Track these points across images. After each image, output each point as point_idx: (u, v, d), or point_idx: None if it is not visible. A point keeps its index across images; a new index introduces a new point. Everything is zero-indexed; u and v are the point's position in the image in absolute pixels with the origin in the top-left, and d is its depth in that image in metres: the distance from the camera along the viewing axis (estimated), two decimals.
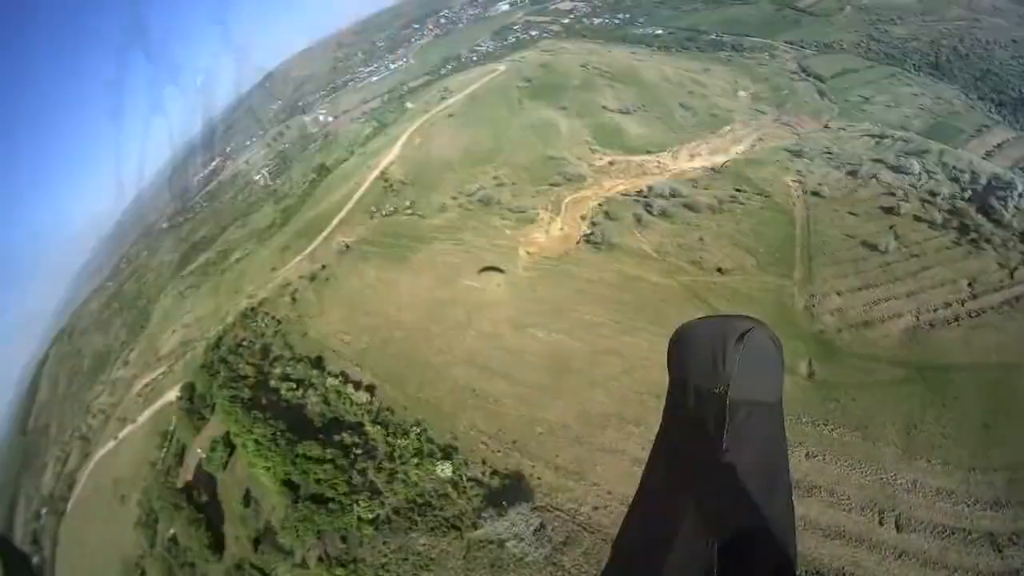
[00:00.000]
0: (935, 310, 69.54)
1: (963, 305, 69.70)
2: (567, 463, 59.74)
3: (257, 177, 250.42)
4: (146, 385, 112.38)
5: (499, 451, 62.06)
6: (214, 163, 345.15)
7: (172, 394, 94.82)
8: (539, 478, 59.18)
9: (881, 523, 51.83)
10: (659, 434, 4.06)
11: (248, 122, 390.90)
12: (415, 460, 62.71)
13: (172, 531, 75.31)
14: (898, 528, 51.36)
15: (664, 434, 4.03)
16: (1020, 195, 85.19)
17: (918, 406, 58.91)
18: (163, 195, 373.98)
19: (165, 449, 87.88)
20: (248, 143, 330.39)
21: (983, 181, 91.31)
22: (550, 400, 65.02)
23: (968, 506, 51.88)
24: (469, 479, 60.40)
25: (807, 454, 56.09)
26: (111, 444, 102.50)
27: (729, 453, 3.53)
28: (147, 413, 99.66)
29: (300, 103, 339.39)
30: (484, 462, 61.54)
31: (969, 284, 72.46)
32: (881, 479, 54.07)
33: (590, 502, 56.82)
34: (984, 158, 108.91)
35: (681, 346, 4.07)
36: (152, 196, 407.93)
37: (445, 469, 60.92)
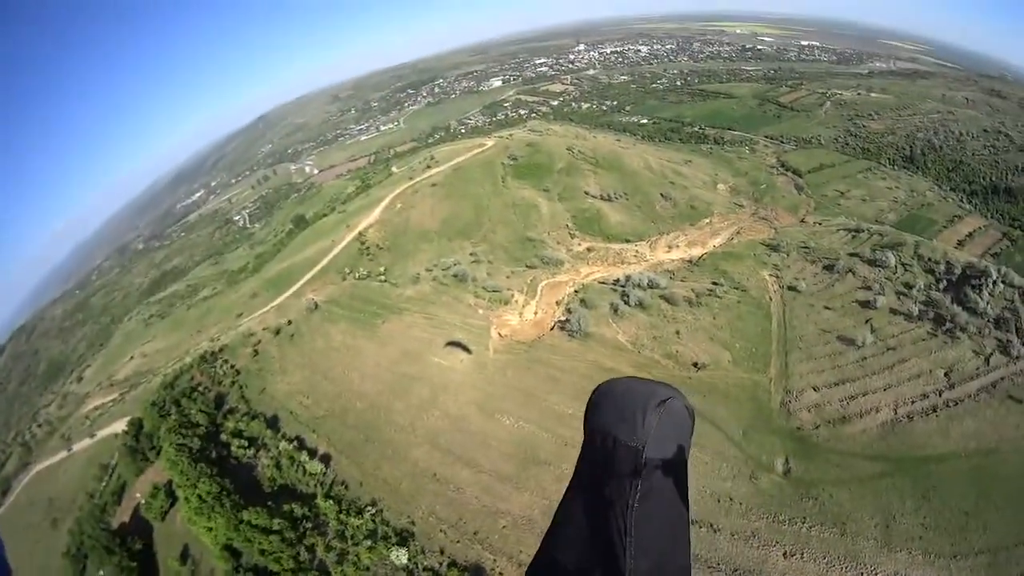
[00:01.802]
0: (912, 402, 69.94)
1: (940, 395, 70.33)
2: (531, 560, 57.67)
3: (237, 218, 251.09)
4: (96, 408, 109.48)
5: (459, 541, 59.45)
6: (197, 195, 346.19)
7: (119, 425, 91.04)
8: (501, 573, 56.83)
9: None
10: (575, 477, 4.10)
11: (236, 161, 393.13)
12: (368, 542, 59.89)
13: (101, 573, 71.54)
14: None
15: (580, 477, 4.06)
16: (994, 283, 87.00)
17: (897, 498, 58.68)
18: (143, 216, 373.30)
19: (104, 483, 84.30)
20: (233, 181, 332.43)
21: (957, 271, 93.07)
22: (515, 492, 62.91)
23: None
24: (425, 568, 57.64)
25: (784, 553, 55.28)
26: (51, 461, 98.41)
27: (641, 505, 3.67)
28: (92, 440, 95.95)
29: (289, 150, 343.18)
30: (442, 551, 58.86)
31: (946, 374, 73.32)
32: (861, 574, 53.41)
33: None
34: (957, 247, 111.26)
35: (605, 400, 4.14)
36: (133, 214, 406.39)
37: (400, 555, 58.17)
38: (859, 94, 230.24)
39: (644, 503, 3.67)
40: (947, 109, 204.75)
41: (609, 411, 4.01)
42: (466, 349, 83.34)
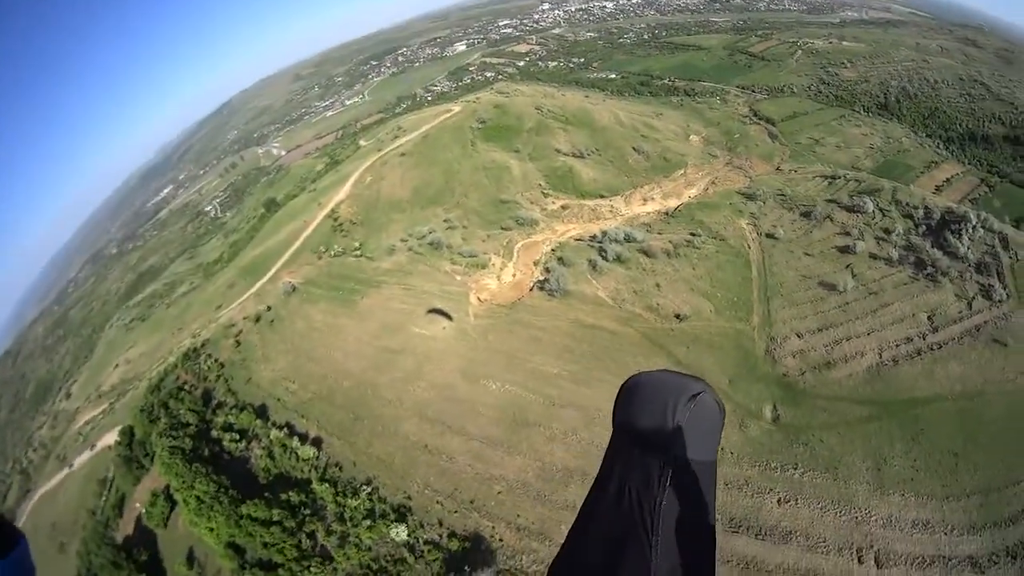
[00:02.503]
0: (897, 346, 70.57)
1: (924, 339, 71.02)
2: (529, 523, 57.73)
3: (208, 208, 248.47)
4: (87, 423, 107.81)
5: (456, 511, 59.53)
6: (166, 190, 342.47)
7: (112, 436, 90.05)
8: (500, 540, 56.99)
9: (860, 561, 51.80)
10: (602, 470, 3.98)
11: (203, 151, 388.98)
12: (367, 522, 59.81)
13: None
14: (878, 564, 51.43)
15: (607, 471, 3.96)
16: (974, 227, 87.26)
17: (886, 442, 59.41)
18: (114, 219, 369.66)
19: (104, 498, 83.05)
20: (201, 172, 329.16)
21: (936, 216, 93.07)
22: (507, 456, 62.87)
23: (946, 534, 52.51)
24: (426, 542, 57.71)
25: (779, 500, 55.93)
26: (51, 484, 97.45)
27: (667, 501, 3.59)
28: (86, 455, 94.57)
29: (255, 134, 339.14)
30: (441, 523, 58.93)
31: (929, 318, 73.85)
32: (855, 518, 54.16)
33: None
34: (935, 193, 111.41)
35: (636, 392, 4.04)
36: (104, 219, 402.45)
37: (400, 532, 58.20)
38: (831, 43, 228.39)
39: (671, 500, 3.61)
40: (921, 58, 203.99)
41: (639, 405, 3.94)
42: (447, 316, 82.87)
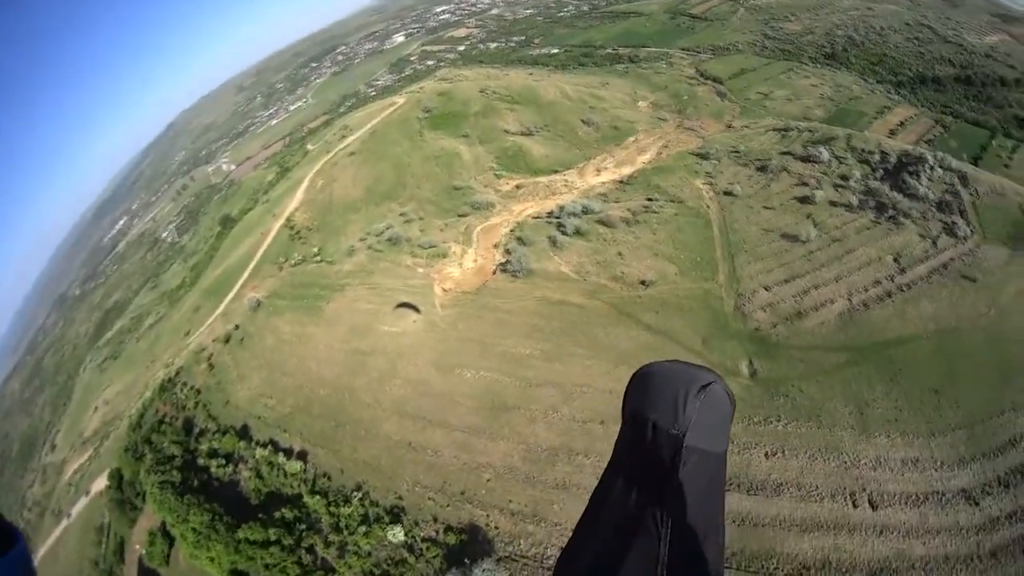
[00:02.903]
0: (866, 290, 71.87)
1: (892, 281, 72.36)
2: (522, 507, 57.90)
3: (164, 234, 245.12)
4: (76, 471, 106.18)
5: (448, 505, 59.60)
6: (121, 222, 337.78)
7: (102, 481, 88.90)
8: (496, 527, 57.15)
9: (855, 505, 52.47)
10: (612, 461, 4.06)
11: (152, 177, 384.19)
12: (363, 528, 59.70)
13: None
14: (872, 507, 52.15)
15: (617, 462, 4.04)
16: (932, 167, 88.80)
17: (866, 385, 60.41)
18: (73, 260, 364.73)
19: (104, 545, 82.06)
20: (154, 199, 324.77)
21: (893, 159, 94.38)
22: (490, 443, 63.01)
23: (936, 470, 53.41)
24: (424, 540, 57.75)
25: (766, 454, 56.63)
26: (50, 541, 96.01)
27: (679, 491, 3.64)
28: (82, 503, 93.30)
29: (203, 152, 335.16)
30: (435, 519, 58.98)
31: (895, 259, 75.22)
32: (844, 463, 54.92)
33: (555, 543, 55.30)
34: (890, 137, 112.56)
35: (645, 383, 4.11)
36: (63, 261, 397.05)
37: (397, 533, 58.23)
38: None
39: (681, 490, 3.66)
40: (866, 6, 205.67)
41: (649, 396, 3.99)
42: (415, 309, 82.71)
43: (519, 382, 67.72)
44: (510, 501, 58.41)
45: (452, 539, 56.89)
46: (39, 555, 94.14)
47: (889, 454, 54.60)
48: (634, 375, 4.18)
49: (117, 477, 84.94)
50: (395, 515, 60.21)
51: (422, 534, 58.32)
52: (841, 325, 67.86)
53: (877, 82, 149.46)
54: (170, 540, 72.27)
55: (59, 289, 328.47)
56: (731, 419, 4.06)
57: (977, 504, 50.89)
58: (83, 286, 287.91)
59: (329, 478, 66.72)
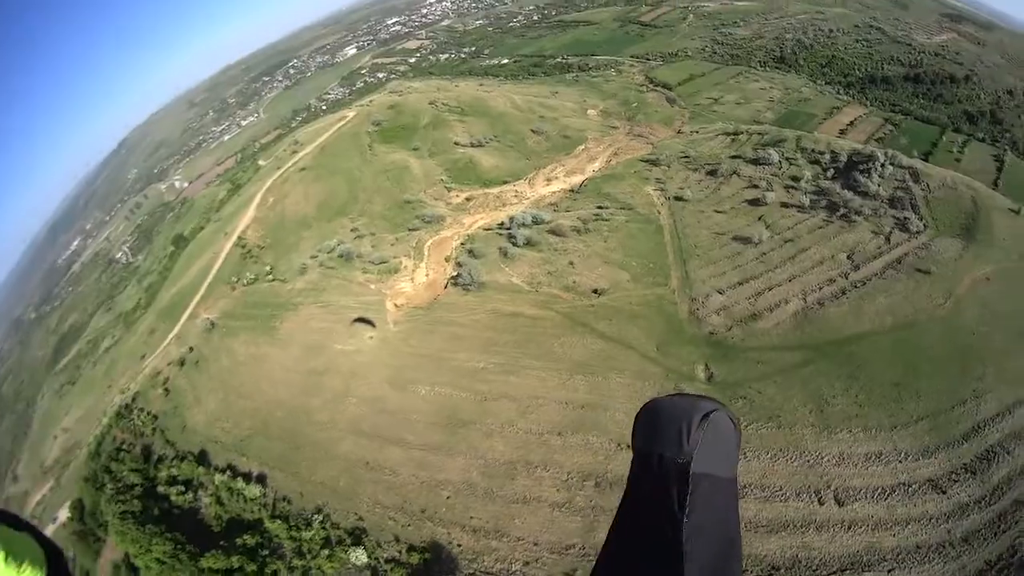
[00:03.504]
0: (820, 288, 73.17)
1: (847, 278, 73.88)
2: (484, 523, 58.26)
3: (119, 255, 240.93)
4: (38, 503, 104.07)
5: (409, 524, 59.78)
6: (75, 243, 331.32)
7: (64, 513, 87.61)
8: (459, 544, 57.45)
9: (821, 503, 53.37)
10: (626, 497, 4.18)
11: (106, 194, 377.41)
12: (325, 551, 59.73)
13: None
14: (839, 503, 53.04)
15: (631, 497, 4.18)
16: (882, 165, 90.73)
17: (825, 383, 61.42)
18: (28, 282, 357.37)
19: None
20: (107, 218, 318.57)
21: (843, 158, 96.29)
22: (448, 459, 63.25)
23: (901, 462, 54.52)
24: (387, 561, 57.98)
25: None
26: None
27: (691, 519, 3.75)
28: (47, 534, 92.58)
29: (155, 170, 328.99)
30: (397, 539, 59.13)
31: (848, 257, 76.99)
32: (807, 461, 55.74)
33: (519, 558, 55.71)
34: (840, 137, 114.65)
35: (650, 418, 4.28)
36: (16, 284, 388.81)
37: (359, 555, 58.32)
38: (723, 4, 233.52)
39: (694, 517, 3.76)
40: (816, 10, 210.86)
41: (654, 429, 4.15)
42: (371, 324, 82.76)
43: (474, 396, 67.98)
44: (471, 517, 58.71)
45: (415, 558, 57.12)
46: None
47: (852, 449, 55.63)
48: (639, 411, 4.36)
49: (79, 508, 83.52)
50: (356, 537, 60.27)
51: (385, 555, 58.45)
52: (797, 324, 69.02)
53: (827, 83, 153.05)
54: (135, 571, 71.24)
55: (14, 312, 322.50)
56: (738, 444, 4.25)
57: (944, 492, 52.14)
58: (39, 309, 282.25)
59: (289, 502, 66.50)
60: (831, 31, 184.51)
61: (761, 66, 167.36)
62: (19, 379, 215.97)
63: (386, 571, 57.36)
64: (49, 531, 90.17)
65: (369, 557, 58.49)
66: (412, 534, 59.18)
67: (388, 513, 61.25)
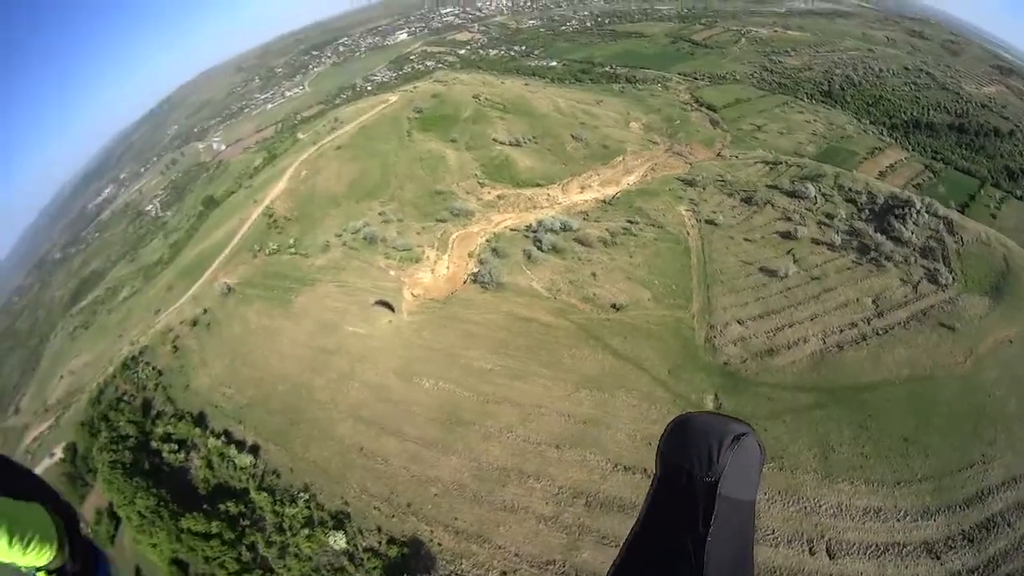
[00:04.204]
0: (841, 331, 71.41)
1: (869, 324, 72.08)
2: (467, 525, 57.44)
3: (148, 208, 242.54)
4: (35, 439, 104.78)
5: (393, 516, 59.07)
6: (107, 190, 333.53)
7: (59, 452, 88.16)
8: (439, 544, 56.70)
9: (812, 553, 52.20)
10: (646, 508, 4.13)
11: (143, 148, 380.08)
12: (305, 531, 59.21)
13: None
14: (830, 555, 51.93)
15: (652, 509, 4.12)
16: (918, 212, 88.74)
17: (834, 429, 59.94)
18: (57, 223, 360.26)
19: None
20: (142, 170, 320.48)
21: (880, 201, 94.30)
22: (442, 457, 62.49)
23: (899, 520, 53.30)
24: (365, 549, 57.35)
25: None
26: None
27: (712, 538, 3.71)
28: (41, 467, 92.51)
29: (196, 129, 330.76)
30: (379, 529, 58.46)
31: (874, 302, 75.15)
32: (804, 508, 54.54)
33: (497, 567, 54.99)
34: (878, 178, 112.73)
35: (681, 432, 4.21)
36: (46, 223, 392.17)
37: (338, 540, 57.72)
38: (776, 31, 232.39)
39: (715, 536, 3.73)
40: (867, 47, 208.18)
41: (684, 444, 4.11)
42: (390, 308, 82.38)
43: (478, 397, 67.23)
44: (456, 518, 57.94)
45: (394, 551, 56.49)
46: None
47: (852, 501, 54.45)
48: (669, 425, 4.29)
49: (72, 451, 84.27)
50: (339, 521, 59.71)
51: (364, 543, 57.87)
52: (813, 365, 67.52)
53: (871, 123, 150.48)
54: (116, 521, 71.55)
55: (40, 251, 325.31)
56: (761, 470, 4.19)
57: (939, 558, 51.06)
58: (64, 250, 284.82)
59: (278, 475, 66.14)
60: (880, 71, 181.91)
61: (808, 98, 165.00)
62: (35, 315, 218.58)
63: (363, 559, 56.74)
64: (43, 466, 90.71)
65: (348, 543, 57.95)
66: (395, 526, 58.52)
67: (374, 502, 60.60)
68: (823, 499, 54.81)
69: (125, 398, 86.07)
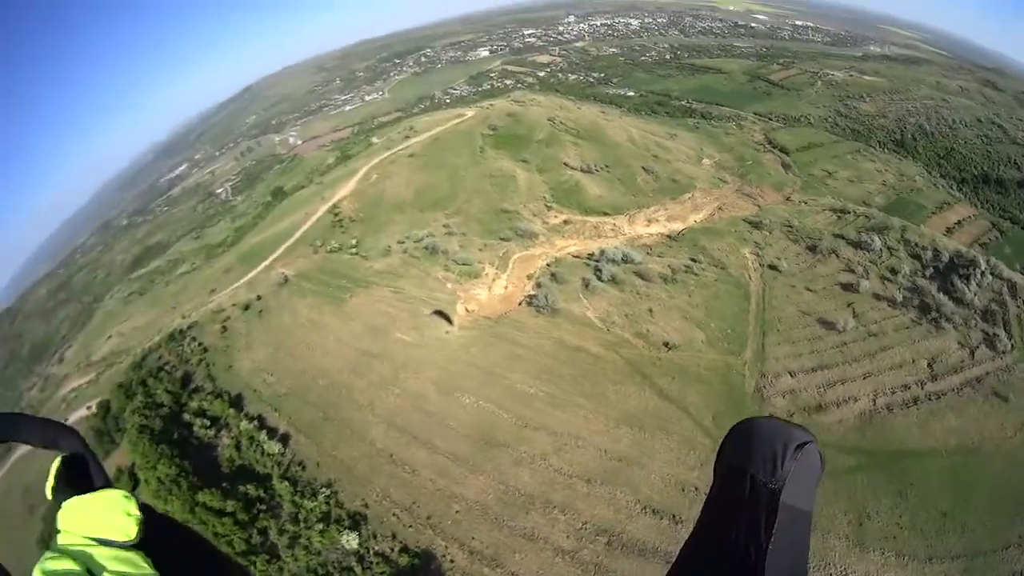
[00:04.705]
0: (893, 392, 68.27)
1: (922, 387, 68.74)
2: (484, 547, 55.62)
3: (220, 190, 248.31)
4: (73, 390, 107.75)
5: (411, 526, 57.66)
6: (181, 168, 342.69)
7: (93, 406, 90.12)
8: (452, 560, 54.95)
9: None
10: (705, 511, 3.86)
11: (221, 133, 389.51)
12: (320, 526, 58.03)
13: None
14: None
15: (711, 512, 3.85)
16: (982, 273, 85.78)
17: (872, 495, 57.14)
18: (128, 190, 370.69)
19: None
20: (217, 154, 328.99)
21: (945, 258, 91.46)
22: (470, 475, 60.99)
23: None
24: (376, 553, 55.91)
25: None
26: (27, 447, 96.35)
27: (773, 547, 3.51)
28: (73, 417, 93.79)
29: (273, 121, 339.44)
30: (394, 536, 57.06)
31: (929, 365, 71.79)
32: (830, 574, 51.79)
33: None
34: (945, 234, 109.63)
35: (746, 436, 3.91)
36: (117, 189, 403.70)
37: (351, 540, 56.49)
38: (851, 75, 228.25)
39: (775, 545, 3.49)
40: (941, 96, 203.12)
41: (749, 449, 3.82)
42: (448, 320, 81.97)
43: (515, 420, 65.75)
44: (473, 538, 56.31)
45: (404, 560, 55.08)
46: (15, 456, 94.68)
47: (880, 572, 51.66)
48: (733, 428, 3.99)
49: (105, 408, 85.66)
50: (356, 521, 58.58)
51: (376, 547, 56.55)
52: (860, 426, 64.68)
53: (941, 176, 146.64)
54: (135, 483, 71.50)
55: (107, 215, 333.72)
56: (819, 481, 3.82)
57: None
58: (131, 218, 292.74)
59: (303, 467, 65.56)
60: (953, 121, 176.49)
61: (879, 146, 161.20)
62: (94, 275, 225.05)
63: (372, 563, 55.50)
64: (75, 416, 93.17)
65: (360, 545, 56.74)
66: (410, 536, 57.14)
67: (394, 509, 59.33)
68: (851, 567, 51.98)
69: (167, 368, 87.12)
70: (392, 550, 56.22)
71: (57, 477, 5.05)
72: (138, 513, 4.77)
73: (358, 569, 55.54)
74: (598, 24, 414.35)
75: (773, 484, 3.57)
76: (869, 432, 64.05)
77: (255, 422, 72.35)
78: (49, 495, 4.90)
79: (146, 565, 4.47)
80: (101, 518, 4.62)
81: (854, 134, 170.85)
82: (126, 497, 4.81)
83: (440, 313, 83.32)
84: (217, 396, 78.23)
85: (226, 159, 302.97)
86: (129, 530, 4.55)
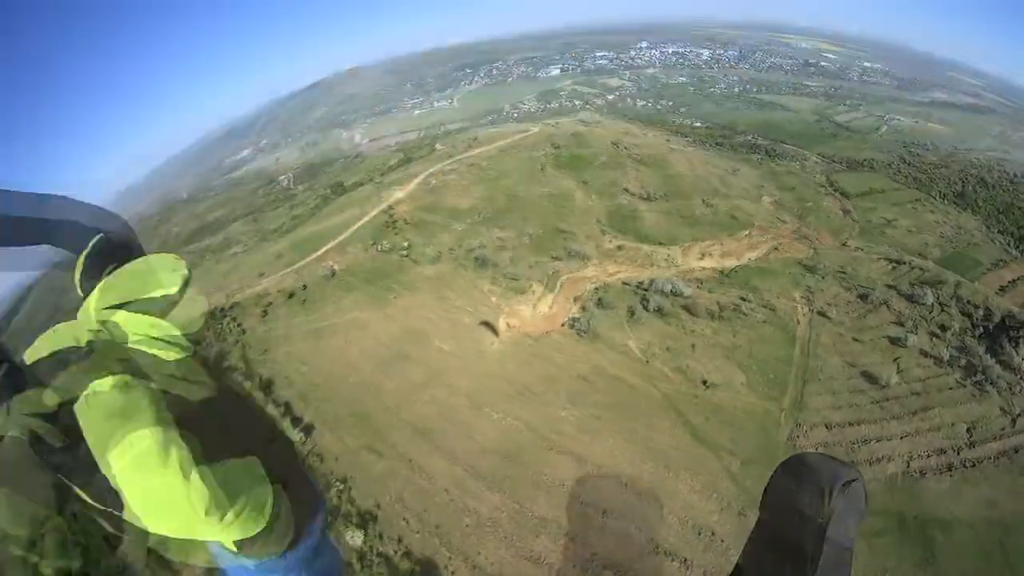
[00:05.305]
0: (928, 456, 64.54)
1: (958, 453, 64.91)
2: (488, 564, 54.14)
3: (282, 178, 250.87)
4: None
5: (419, 532, 56.55)
6: (245, 152, 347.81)
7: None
8: (453, 573, 53.44)
9: None
10: (750, 545, 4.19)
11: (288, 122, 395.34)
12: (328, 518, 58.08)
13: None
14: None
15: (757, 547, 4.15)
16: None
17: (894, 561, 54.13)
18: (191, 167, 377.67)
19: None
20: (282, 142, 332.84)
21: (996, 319, 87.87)
22: (487, 491, 59.88)
23: None
24: (379, 554, 54.85)
25: None
26: None
27: None
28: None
29: (341, 117, 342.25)
30: (400, 540, 55.88)
31: (968, 430, 67.82)
32: None
33: None
34: (999, 293, 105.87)
35: (796, 471, 4.23)
36: (182, 165, 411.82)
37: (356, 537, 55.73)
38: (917, 122, 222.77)
39: None
40: (1003, 148, 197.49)
41: (799, 484, 4.06)
42: (495, 332, 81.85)
43: (541, 442, 64.57)
44: (479, 553, 54.91)
45: (406, 565, 53.96)
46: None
47: None
48: (783, 463, 4.29)
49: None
50: (364, 520, 57.74)
51: (380, 548, 55.65)
52: (889, 487, 61.15)
53: (999, 232, 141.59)
54: None
55: (169, 187, 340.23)
56: (863, 519, 4.07)
57: None
58: (191, 193, 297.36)
59: (321, 459, 64.99)
60: (1014, 175, 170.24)
61: (940, 196, 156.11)
62: (148, 243, 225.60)
63: (373, 563, 54.62)
64: None
65: (364, 544, 55.97)
66: (416, 542, 56.02)
67: (405, 514, 58.39)
68: None
69: (202, 342, 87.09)
70: (396, 553, 55.24)
71: (90, 256, 4.48)
72: (185, 272, 4.60)
73: (357, 567, 54.76)
74: (670, 52, 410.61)
75: (821, 519, 3.74)
76: (898, 495, 60.99)
77: (281, 408, 72.42)
78: (78, 284, 4.43)
79: (204, 375, 4.35)
80: (142, 280, 4.29)
81: (916, 182, 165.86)
82: (176, 258, 4.60)
83: (487, 324, 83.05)
84: (248, 377, 78.53)
85: (291, 149, 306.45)
86: (171, 284, 4.32)
